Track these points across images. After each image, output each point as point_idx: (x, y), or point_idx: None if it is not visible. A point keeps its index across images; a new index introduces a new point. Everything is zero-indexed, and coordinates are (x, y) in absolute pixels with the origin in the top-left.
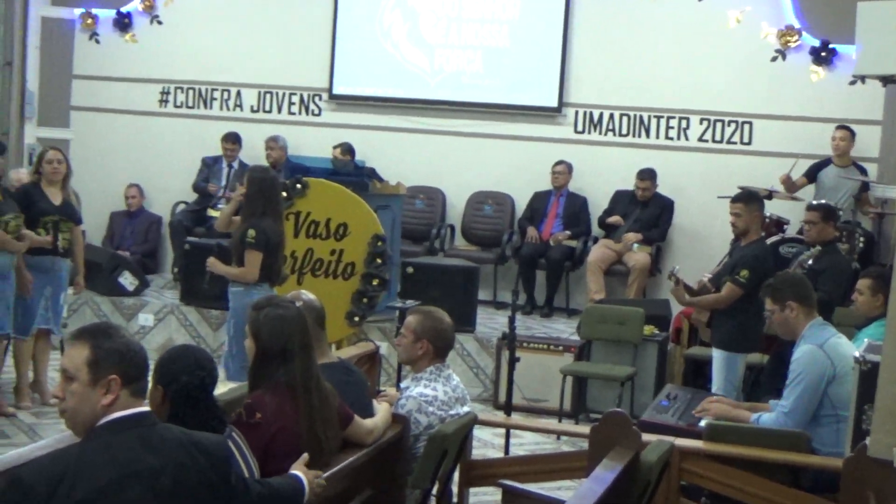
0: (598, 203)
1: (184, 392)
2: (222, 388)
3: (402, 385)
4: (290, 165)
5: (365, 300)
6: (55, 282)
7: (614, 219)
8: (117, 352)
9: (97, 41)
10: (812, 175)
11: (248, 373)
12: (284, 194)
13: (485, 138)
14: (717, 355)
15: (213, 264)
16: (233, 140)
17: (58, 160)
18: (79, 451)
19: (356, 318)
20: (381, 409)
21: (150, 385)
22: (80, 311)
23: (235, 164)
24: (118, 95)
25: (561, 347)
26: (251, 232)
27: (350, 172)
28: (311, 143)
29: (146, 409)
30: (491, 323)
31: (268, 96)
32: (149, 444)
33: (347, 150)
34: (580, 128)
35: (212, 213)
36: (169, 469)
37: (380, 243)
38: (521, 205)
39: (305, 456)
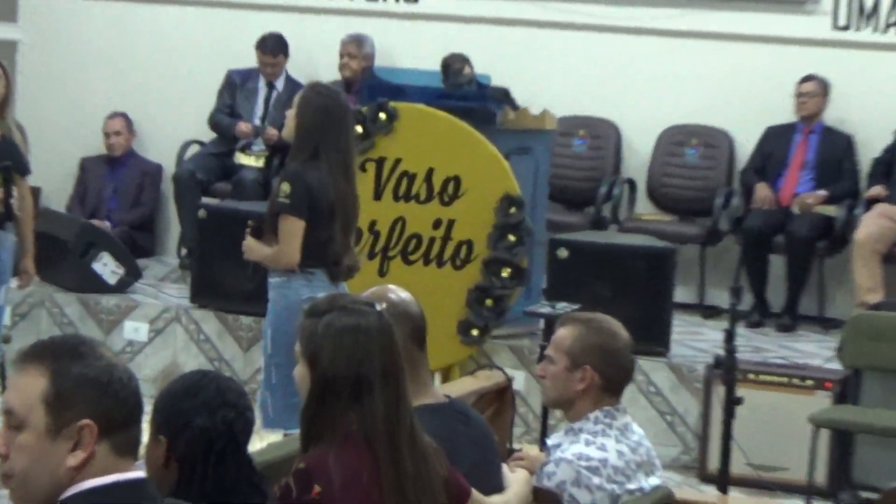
0: (872, 145)
1: (200, 445)
2: (259, 441)
3: (551, 441)
4: (373, 83)
5: (489, 302)
6: None
7: None
8: (92, 382)
9: None
10: None
11: (301, 418)
12: (359, 129)
13: (686, 38)
14: None
15: (253, 248)
16: (276, 48)
17: None
18: None
19: (475, 332)
20: (516, 479)
21: (145, 436)
22: (32, 317)
23: (279, 84)
24: None
25: (810, 382)
26: (285, 187)
27: (468, 95)
28: (404, 47)
29: (139, 474)
30: (695, 341)
31: None
32: None
33: (465, 59)
34: (842, 21)
35: (243, 159)
36: None
37: (513, 210)
38: (746, 148)
39: None
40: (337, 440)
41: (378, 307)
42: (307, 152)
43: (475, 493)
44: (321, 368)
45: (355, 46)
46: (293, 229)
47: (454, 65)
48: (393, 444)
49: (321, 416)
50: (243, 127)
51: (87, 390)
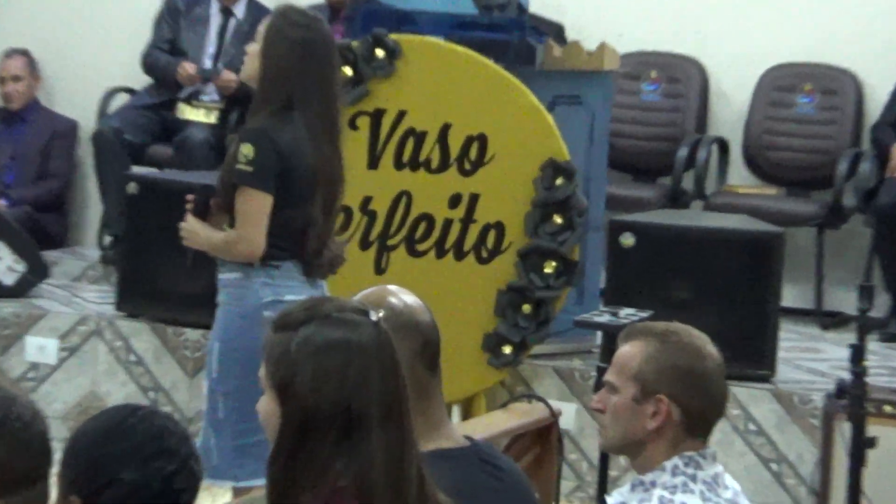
0: None
1: None
2: (209, 501)
3: (612, 501)
4: (369, 8)
5: (527, 308)
6: None
7: None
8: None
9: None
10: None
11: (268, 468)
12: (347, 71)
13: None
14: None
15: (194, 230)
16: None
17: None
18: None
19: (507, 350)
20: None
21: (54, 494)
22: None
23: (239, 10)
24: None
25: None
26: (247, 149)
27: (498, 24)
28: None
29: None
30: (810, 360)
31: None
32: None
33: None
34: None
35: (189, 113)
36: None
37: (560, 181)
38: (879, 96)
39: None
40: (320, 498)
41: (374, 316)
42: (277, 102)
43: None
44: (297, 400)
45: None
46: (257, 206)
47: None
48: (396, 494)
49: (297, 466)
50: (188, 68)
51: None
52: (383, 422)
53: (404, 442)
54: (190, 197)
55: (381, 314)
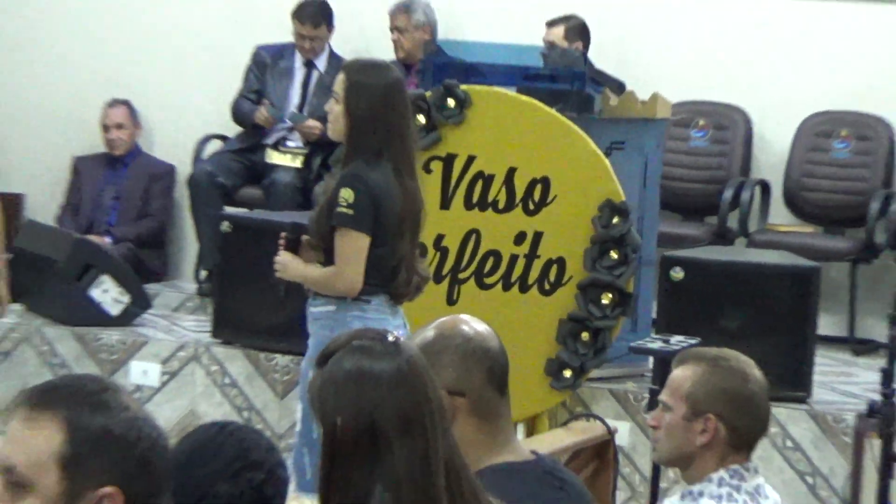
0: None
1: None
2: None
3: None
4: (439, 62)
5: (585, 336)
6: None
7: None
8: (118, 440)
9: None
10: None
11: (315, 482)
12: (421, 119)
13: (835, 1)
14: None
15: (288, 266)
16: (313, 14)
17: None
18: None
19: (567, 373)
20: None
21: None
22: (17, 356)
23: (321, 63)
24: None
25: None
26: (347, 193)
27: (559, 75)
28: (477, 14)
29: None
30: (843, 384)
31: None
32: None
33: (579, 31)
34: None
35: (274, 158)
36: None
37: (616, 220)
38: None
39: None
40: None
41: (408, 347)
42: (367, 151)
43: None
44: (325, 426)
45: (404, 17)
46: (357, 247)
47: (566, 39)
48: None
49: (334, 480)
50: (263, 111)
51: (112, 452)
52: (404, 437)
53: (428, 453)
54: (283, 234)
55: (428, 338)
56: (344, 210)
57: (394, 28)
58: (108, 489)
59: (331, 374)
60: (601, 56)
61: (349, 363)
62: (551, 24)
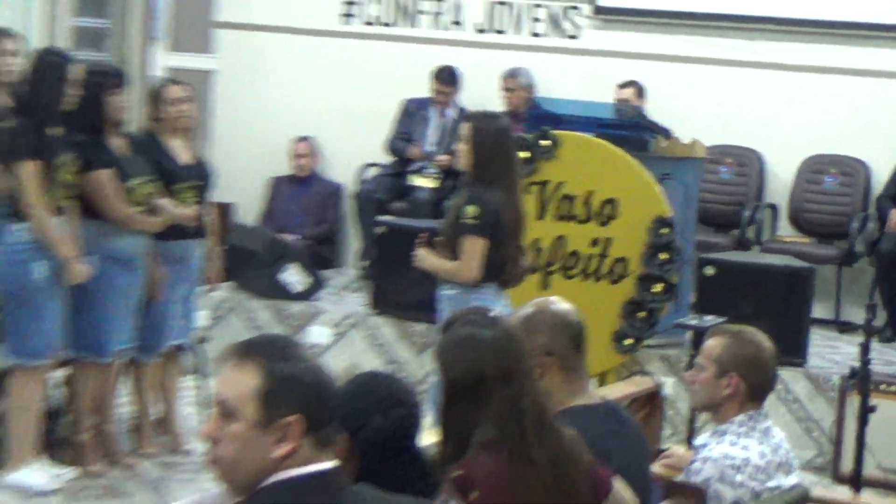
0: None
1: (378, 441)
2: (429, 436)
3: (698, 442)
4: (537, 113)
5: (641, 314)
6: (189, 277)
7: None
8: (301, 381)
9: None
10: None
11: (436, 422)
12: (524, 155)
13: (825, 73)
14: None
15: (425, 259)
16: (447, 77)
17: (184, 99)
18: None
19: (628, 342)
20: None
21: None
22: (227, 321)
23: (451, 112)
24: (283, 7)
25: None
26: (471, 209)
27: (624, 124)
28: (564, 79)
29: (334, 465)
30: (831, 354)
31: (501, 10)
32: None
33: (641, 92)
34: None
35: (416, 180)
36: None
37: (665, 230)
38: (881, 177)
39: None
40: (479, 445)
41: (500, 321)
42: (486, 178)
43: (619, 485)
44: (445, 375)
45: (512, 80)
46: (477, 248)
47: (634, 96)
48: (520, 438)
49: (451, 419)
50: (416, 151)
51: (298, 389)
52: (503, 385)
53: (520, 396)
54: (420, 236)
55: (528, 312)
56: (469, 221)
57: (505, 88)
58: (292, 417)
59: (450, 338)
60: (655, 110)
61: (463, 330)
62: (622, 86)
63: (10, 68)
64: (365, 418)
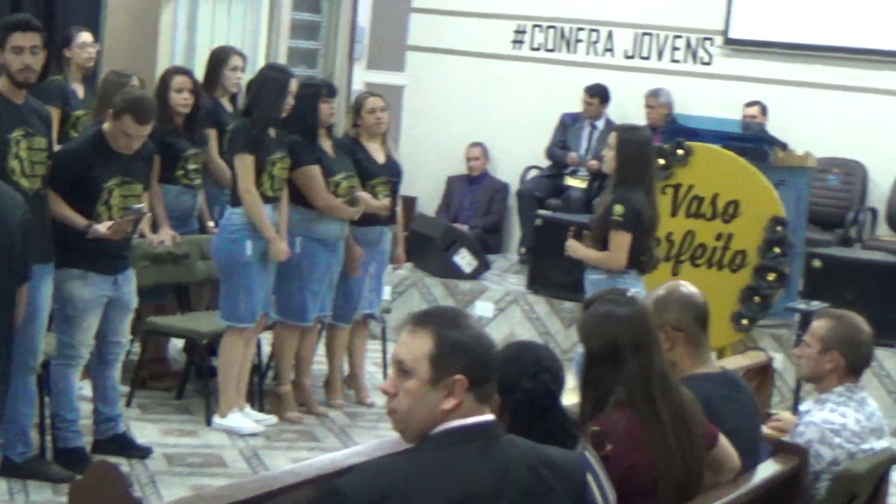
0: None
1: (526, 402)
2: (572, 396)
3: (802, 408)
4: (674, 127)
5: (757, 299)
6: (380, 257)
7: None
8: (466, 347)
9: None
10: None
11: (578, 386)
12: (661, 161)
13: None
14: None
15: (575, 248)
16: (597, 94)
17: (381, 108)
18: (408, 463)
19: (745, 322)
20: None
21: None
22: (407, 294)
23: (600, 124)
24: (464, 34)
25: None
26: (619, 208)
27: (747, 137)
28: (698, 98)
29: (491, 418)
30: None
31: (646, 39)
32: (491, 461)
33: (763, 110)
34: None
35: (570, 181)
36: (512, 490)
37: (779, 228)
38: None
39: None
40: (614, 405)
41: (637, 300)
42: (629, 181)
43: (723, 439)
44: (587, 345)
45: (654, 98)
46: (623, 241)
47: (760, 114)
48: (648, 399)
49: (591, 384)
50: (574, 157)
51: (463, 352)
52: (635, 354)
53: (650, 364)
54: (571, 228)
55: (659, 294)
56: (616, 218)
57: (647, 105)
58: (459, 376)
59: (591, 313)
60: (774, 126)
61: (603, 307)
62: (749, 104)
63: (237, 81)
64: (516, 381)
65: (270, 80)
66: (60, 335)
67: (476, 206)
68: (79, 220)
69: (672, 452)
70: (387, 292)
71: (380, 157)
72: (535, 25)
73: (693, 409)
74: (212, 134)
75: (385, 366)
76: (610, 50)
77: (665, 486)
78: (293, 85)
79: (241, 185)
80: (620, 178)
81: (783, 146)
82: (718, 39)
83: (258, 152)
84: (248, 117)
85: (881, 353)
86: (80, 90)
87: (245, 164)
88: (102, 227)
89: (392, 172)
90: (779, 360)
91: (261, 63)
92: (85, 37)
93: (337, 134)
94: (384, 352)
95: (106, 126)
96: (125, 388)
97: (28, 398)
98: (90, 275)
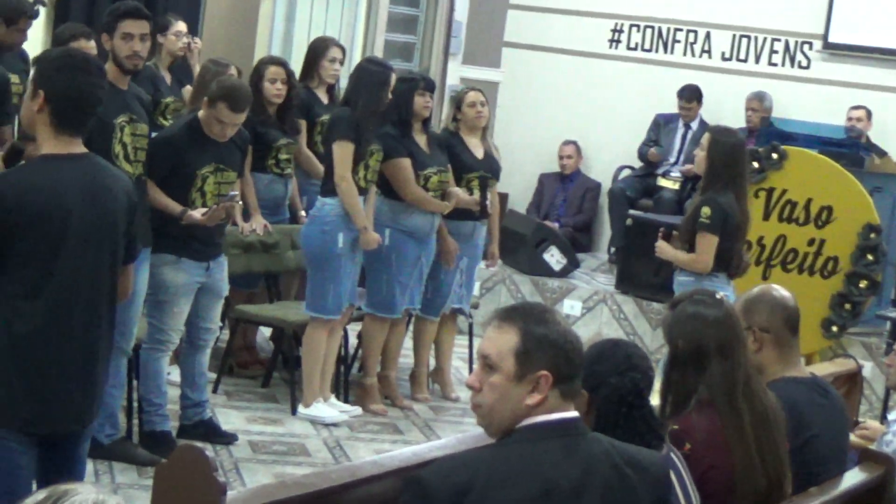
0: None
1: (614, 399)
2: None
3: (890, 417)
4: (769, 130)
5: (848, 306)
6: (472, 252)
7: None
8: (552, 343)
9: None
10: None
11: (661, 386)
12: (755, 165)
13: None
14: None
15: (664, 249)
16: (691, 96)
17: (481, 103)
18: (491, 457)
19: (834, 328)
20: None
21: None
22: (495, 290)
23: (694, 125)
24: (560, 32)
25: None
26: (706, 210)
27: (844, 142)
28: (794, 103)
29: (575, 414)
30: None
31: (744, 41)
32: (574, 457)
33: (869, 115)
34: None
35: (663, 182)
36: (595, 487)
37: (873, 235)
38: None
39: None
40: (695, 405)
41: (727, 303)
42: (719, 183)
43: None
44: (671, 345)
45: (757, 102)
46: (710, 243)
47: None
48: (731, 401)
49: (674, 384)
50: (654, 153)
51: (548, 349)
52: (719, 356)
53: (734, 367)
54: (661, 229)
55: (741, 299)
56: (704, 220)
57: (749, 108)
58: (544, 372)
59: (677, 314)
60: (872, 132)
61: (690, 308)
62: (855, 108)
63: (335, 73)
64: (604, 378)
65: (370, 73)
66: (151, 319)
67: (567, 204)
68: (174, 207)
69: (752, 456)
70: (475, 288)
71: (479, 152)
72: (632, 25)
73: (778, 416)
74: (301, 125)
75: (471, 361)
76: (707, 51)
77: (743, 491)
78: (391, 78)
79: (337, 173)
80: (710, 180)
81: (882, 153)
82: (818, 43)
83: (359, 141)
84: (345, 106)
85: None
86: (167, 77)
87: (345, 151)
88: (197, 214)
89: (488, 168)
90: (868, 369)
91: (357, 56)
92: (180, 25)
93: (433, 129)
94: (470, 347)
95: (201, 113)
96: (212, 375)
97: (118, 380)
98: (183, 260)
